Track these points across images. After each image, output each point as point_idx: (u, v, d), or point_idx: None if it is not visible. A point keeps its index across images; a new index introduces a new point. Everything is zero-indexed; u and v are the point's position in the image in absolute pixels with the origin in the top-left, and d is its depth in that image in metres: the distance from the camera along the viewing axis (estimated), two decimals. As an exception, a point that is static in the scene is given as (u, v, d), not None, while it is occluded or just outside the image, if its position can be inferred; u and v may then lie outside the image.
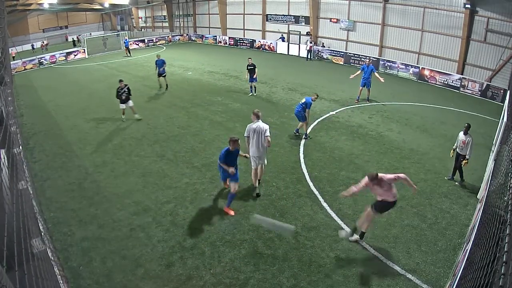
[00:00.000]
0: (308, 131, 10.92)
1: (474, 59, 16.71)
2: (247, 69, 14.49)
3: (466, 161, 7.61)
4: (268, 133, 7.03)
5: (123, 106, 11.80)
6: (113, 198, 7.40)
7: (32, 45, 36.56)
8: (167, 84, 16.31)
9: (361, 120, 11.89)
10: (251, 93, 15.21)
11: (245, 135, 7.33)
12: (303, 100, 10.08)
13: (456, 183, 7.97)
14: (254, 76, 14.58)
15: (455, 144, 7.86)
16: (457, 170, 7.91)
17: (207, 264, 5.50)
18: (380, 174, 5.55)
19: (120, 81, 11.84)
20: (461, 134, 7.65)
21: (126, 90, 11.57)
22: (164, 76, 15.98)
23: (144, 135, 10.84)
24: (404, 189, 7.61)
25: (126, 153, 9.62)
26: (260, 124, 7.08)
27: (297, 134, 10.61)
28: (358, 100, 14.03)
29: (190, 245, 5.93)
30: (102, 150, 9.86)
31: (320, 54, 23.99)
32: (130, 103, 11.85)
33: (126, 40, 28.80)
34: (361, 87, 13.79)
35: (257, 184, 7.53)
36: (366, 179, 5.59)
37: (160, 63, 15.61)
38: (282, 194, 7.47)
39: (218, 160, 6.71)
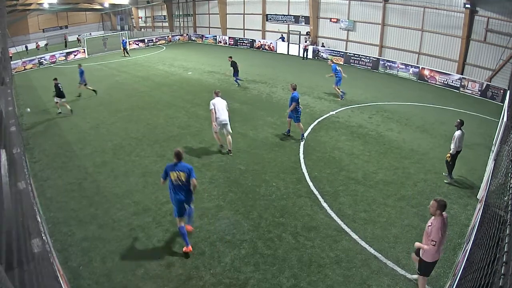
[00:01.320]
0: (308, 131, 10.95)
1: (474, 59, 16.71)
2: (231, 66, 16.36)
3: (449, 154, 7.74)
4: (226, 105, 9.12)
5: (57, 100, 12.87)
6: (113, 198, 7.40)
7: (26, 47, 35.19)
8: (94, 90, 15.50)
9: (361, 120, 11.89)
10: (238, 85, 16.75)
11: (210, 108, 8.92)
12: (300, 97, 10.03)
13: (445, 180, 7.98)
14: (236, 71, 16.47)
15: None
16: (448, 165, 7.94)
17: (207, 264, 5.50)
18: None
19: (55, 79, 12.95)
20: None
21: (60, 88, 12.75)
22: (85, 85, 15.16)
23: (144, 135, 10.85)
24: (404, 189, 7.63)
25: (126, 153, 9.62)
26: (220, 100, 9.04)
27: (303, 138, 10.24)
28: (343, 98, 14.37)
29: (190, 245, 5.92)
30: (102, 150, 9.86)
31: (320, 54, 24.00)
32: (58, 99, 12.91)
33: (124, 40, 28.77)
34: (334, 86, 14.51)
35: (230, 147, 9.30)
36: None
37: (81, 72, 14.82)
38: (282, 194, 7.47)
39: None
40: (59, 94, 12.78)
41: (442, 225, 4.38)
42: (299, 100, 9.86)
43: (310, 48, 24.42)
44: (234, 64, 16.25)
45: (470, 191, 7.53)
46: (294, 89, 9.81)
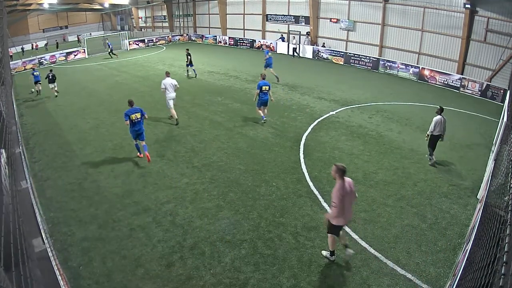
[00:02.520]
0: (308, 131, 10.96)
1: (474, 59, 16.71)
2: (187, 55, 18.61)
3: (426, 135, 8.73)
4: (177, 84, 11.36)
5: (51, 85, 15.84)
6: (113, 198, 7.40)
7: (22, 48, 34.43)
8: (32, 91, 16.68)
9: (361, 120, 11.89)
10: (187, 75, 19.02)
11: (161, 88, 11.26)
12: (266, 87, 11.06)
13: (429, 163, 8.84)
14: (190, 62, 18.58)
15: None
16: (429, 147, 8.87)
17: (207, 264, 5.49)
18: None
19: (50, 70, 16.39)
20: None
21: (51, 75, 15.79)
22: (35, 82, 16.22)
23: (144, 135, 10.84)
24: (404, 189, 7.63)
25: (126, 153, 9.62)
26: (170, 79, 11.31)
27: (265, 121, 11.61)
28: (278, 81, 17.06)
29: (190, 245, 5.93)
30: (102, 150, 9.86)
31: (320, 54, 24.02)
32: (55, 84, 15.93)
33: (109, 43, 28.27)
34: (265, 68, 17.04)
35: (176, 116, 11.56)
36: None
37: (36, 76, 16.23)
38: (282, 194, 7.47)
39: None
40: (50, 81, 15.74)
41: (340, 187, 4.85)
42: (268, 88, 11.03)
43: (300, 47, 25.31)
44: (189, 55, 18.55)
45: (470, 191, 7.53)
46: (263, 78, 11.23)
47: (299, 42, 25.26)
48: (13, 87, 13.99)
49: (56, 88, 15.87)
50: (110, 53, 27.22)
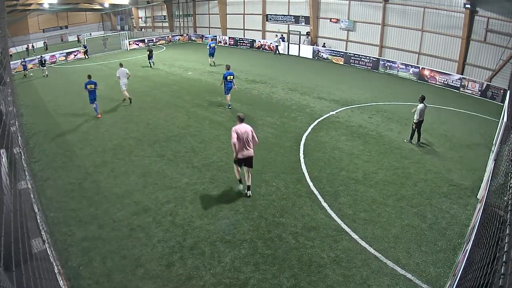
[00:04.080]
0: (308, 131, 10.97)
1: (474, 59, 16.71)
2: (147, 51, 22.82)
3: (413, 123, 9.62)
4: (128, 72, 14.24)
5: (42, 68, 21.36)
6: (113, 198, 7.41)
7: (27, 48, 34.27)
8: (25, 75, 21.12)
9: (361, 120, 11.89)
10: (150, 66, 22.20)
11: (117, 75, 14.04)
12: (231, 77, 12.61)
13: (405, 140, 10.05)
14: (151, 56, 22.31)
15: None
16: (412, 132, 9.84)
17: (207, 264, 5.50)
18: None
19: (40, 56, 22.86)
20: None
21: (43, 60, 21.73)
22: (25, 69, 22.01)
23: (144, 135, 10.85)
24: (404, 189, 7.63)
25: (126, 153, 9.62)
26: (122, 69, 14.06)
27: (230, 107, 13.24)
28: (212, 65, 21.60)
29: (190, 245, 5.94)
30: (102, 150, 9.87)
31: (320, 54, 24.03)
32: (46, 68, 21.43)
33: (85, 44, 28.45)
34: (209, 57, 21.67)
35: (129, 96, 14.25)
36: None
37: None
38: (282, 194, 7.47)
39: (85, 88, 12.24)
40: (42, 64, 21.44)
41: (235, 129, 6.68)
42: (232, 77, 12.57)
43: (282, 45, 26.77)
44: (150, 50, 22.50)
45: (470, 191, 7.53)
46: (228, 68, 12.68)
47: (278, 39, 26.94)
48: (13, 87, 13.97)
49: (46, 68, 21.22)
50: (85, 54, 27.82)
